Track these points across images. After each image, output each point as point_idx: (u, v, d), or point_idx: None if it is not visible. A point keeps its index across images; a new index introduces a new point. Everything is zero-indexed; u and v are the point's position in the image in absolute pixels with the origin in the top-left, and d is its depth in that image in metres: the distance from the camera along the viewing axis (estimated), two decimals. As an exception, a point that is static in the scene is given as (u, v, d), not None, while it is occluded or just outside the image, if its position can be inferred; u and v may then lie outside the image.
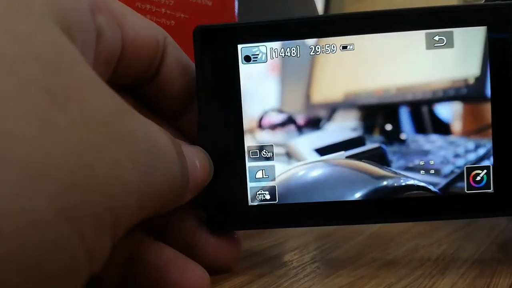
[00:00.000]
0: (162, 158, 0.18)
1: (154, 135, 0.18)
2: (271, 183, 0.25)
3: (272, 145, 0.25)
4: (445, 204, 0.24)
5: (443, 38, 0.24)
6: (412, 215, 0.25)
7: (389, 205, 0.24)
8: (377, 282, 0.23)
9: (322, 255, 0.28)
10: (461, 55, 0.24)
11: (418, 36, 0.24)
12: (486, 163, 0.24)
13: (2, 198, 0.11)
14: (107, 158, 0.14)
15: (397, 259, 0.27)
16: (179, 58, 0.24)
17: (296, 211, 0.24)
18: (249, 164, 0.25)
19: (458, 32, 0.24)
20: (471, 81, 0.24)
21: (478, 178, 0.24)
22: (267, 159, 0.25)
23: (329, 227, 0.34)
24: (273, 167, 0.25)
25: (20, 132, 0.12)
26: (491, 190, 0.24)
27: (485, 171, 0.24)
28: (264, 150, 0.25)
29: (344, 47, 0.24)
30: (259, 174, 0.25)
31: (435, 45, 0.24)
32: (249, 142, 0.25)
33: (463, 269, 0.25)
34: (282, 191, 0.25)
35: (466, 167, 0.24)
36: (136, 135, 0.16)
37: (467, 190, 0.24)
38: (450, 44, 0.24)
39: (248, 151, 0.25)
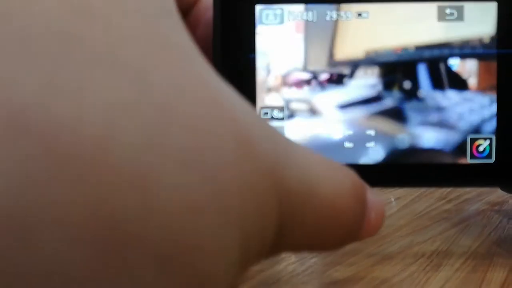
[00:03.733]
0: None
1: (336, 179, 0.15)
2: None
3: (283, 107, 0.25)
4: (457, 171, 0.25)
5: (454, 11, 0.24)
6: (421, 180, 0.25)
7: (401, 169, 0.25)
8: (373, 277, 0.24)
9: (319, 252, 0.29)
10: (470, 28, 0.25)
11: (430, 8, 0.25)
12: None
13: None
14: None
15: (392, 255, 0.27)
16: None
17: None
18: None
19: (469, 6, 0.24)
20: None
21: (481, 148, 0.25)
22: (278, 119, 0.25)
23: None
24: (282, 128, 0.25)
25: None
26: (492, 161, 0.25)
27: (488, 141, 0.25)
28: (276, 111, 0.25)
29: (359, 15, 0.25)
30: None
31: (446, 18, 0.24)
32: (261, 102, 0.25)
33: (457, 265, 0.25)
34: None
35: (470, 138, 0.25)
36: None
37: (469, 160, 0.25)
38: (460, 17, 0.24)
39: (260, 112, 0.25)
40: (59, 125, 0.09)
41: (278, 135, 0.14)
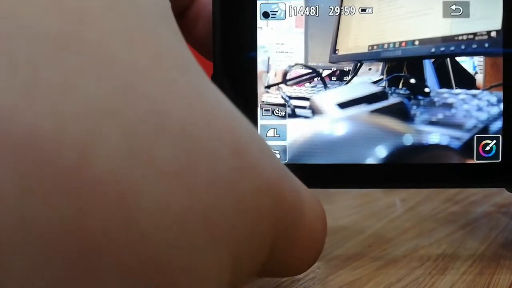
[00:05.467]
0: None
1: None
2: (282, 143, 0.25)
3: (285, 104, 0.25)
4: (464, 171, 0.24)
5: (460, 7, 0.24)
6: (427, 180, 0.25)
7: (406, 169, 0.24)
8: (377, 282, 0.23)
9: (322, 255, 0.28)
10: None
11: (436, 4, 0.24)
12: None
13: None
14: None
15: (397, 259, 0.27)
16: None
17: (307, 172, 0.24)
18: (260, 122, 0.25)
19: (475, 2, 0.24)
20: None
21: (488, 148, 0.24)
22: (280, 117, 0.25)
23: (329, 228, 0.34)
24: (283, 126, 0.25)
25: None
26: (499, 161, 0.24)
27: (494, 141, 0.24)
28: (277, 109, 0.25)
29: (363, 10, 0.24)
30: (270, 133, 0.25)
31: (451, 14, 0.24)
32: (262, 99, 0.25)
33: (463, 268, 0.25)
34: (293, 151, 0.25)
35: (476, 137, 0.24)
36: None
37: (476, 160, 0.24)
38: (466, 14, 0.24)
39: (261, 109, 0.25)
40: (36, 132, 0.08)
41: (273, 152, 0.13)
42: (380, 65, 0.25)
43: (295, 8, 0.25)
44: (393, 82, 0.25)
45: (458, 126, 0.24)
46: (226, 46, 0.24)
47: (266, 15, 0.25)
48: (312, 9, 0.25)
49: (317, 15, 0.25)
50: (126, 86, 0.10)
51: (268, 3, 0.25)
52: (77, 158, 0.08)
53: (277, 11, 0.25)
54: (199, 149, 0.10)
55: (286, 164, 0.24)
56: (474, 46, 0.24)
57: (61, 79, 0.09)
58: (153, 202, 0.09)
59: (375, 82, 0.25)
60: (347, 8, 0.25)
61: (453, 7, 0.24)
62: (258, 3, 0.25)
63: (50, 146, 0.08)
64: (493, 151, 0.24)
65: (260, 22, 0.25)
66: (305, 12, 0.25)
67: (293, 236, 0.14)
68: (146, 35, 0.11)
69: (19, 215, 0.08)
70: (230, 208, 0.11)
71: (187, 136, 0.10)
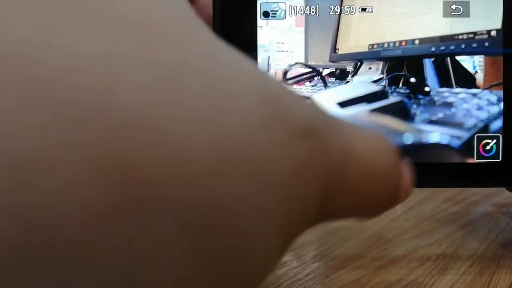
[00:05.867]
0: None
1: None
2: None
3: None
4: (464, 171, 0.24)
5: (460, 7, 0.24)
6: (427, 180, 0.25)
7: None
8: (377, 282, 0.23)
9: (322, 255, 0.28)
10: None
11: (436, 4, 0.24)
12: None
13: None
14: None
15: (397, 259, 0.27)
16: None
17: None
18: None
19: (475, 2, 0.24)
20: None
21: (488, 147, 0.24)
22: None
23: (329, 228, 0.34)
24: None
25: None
26: (499, 160, 0.24)
27: (494, 140, 0.24)
28: None
29: (363, 9, 0.24)
30: None
31: (451, 13, 0.24)
32: None
33: (463, 268, 0.25)
34: None
35: (477, 136, 0.24)
36: None
37: (476, 159, 0.24)
38: (466, 13, 0.24)
39: None
40: (62, 65, 0.08)
41: (303, 98, 0.13)
42: (380, 64, 0.25)
43: (295, 7, 0.25)
44: (393, 81, 0.25)
45: (458, 125, 0.24)
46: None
47: (266, 14, 0.25)
48: (312, 8, 0.25)
49: (317, 15, 0.25)
50: (147, 37, 0.10)
51: (268, 2, 0.25)
52: (105, 89, 0.09)
53: (277, 11, 0.25)
54: (225, 97, 0.10)
55: None
56: (474, 45, 0.24)
57: (83, 24, 0.09)
58: (186, 137, 0.09)
59: (375, 81, 0.25)
60: (347, 8, 0.25)
61: (453, 6, 0.24)
62: (258, 2, 0.25)
63: (74, 79, 0.08)
64: (494, 151, 0.24)
65: (260, 22, 0.25)
66: (305, 12, 0.25)
67: (349, 177, 0.14)
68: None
69: (50, 141, 0.08)
70: (270, 153, 0.11)
71: (211, 85, 0.10)
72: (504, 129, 0.24)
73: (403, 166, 0.16)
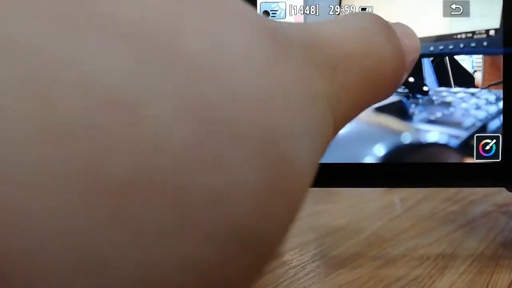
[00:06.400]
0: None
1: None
2: None
3: None
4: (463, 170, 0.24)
5: (460, 7, 0.24)
6: (426, 179, 0.25)
7: (405, 168, 0.24)
8: (376, 281, 0.23)
9: (322, 254, 0.28)
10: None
11: (436, 3, 0.24)
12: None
13: None
14: None
15: (396, 259, 0.27)
16: None
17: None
18: None
19: (475, 1, 0.24)
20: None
21: (488, 147, 0.24)
22: None
23: (329, 228, 0.34)
24: None
25: None
26: (498, 160, 0.24)
27: (494, 140, 0.24)
28: None
29: (363, 9, 0.24)
30: None
31: (451, 13, 0.24)
32: None
33: (463, 267, 0.25)
34: None
35: (476, 136, 0.24)
36: None
37: (476, 159, 0.24)
38: (466, 13, 0.24)
39: None
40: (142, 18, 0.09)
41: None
42: None
43: (295, 7, 0.25)
44: None
45: (456, 125, 0.24)
46: None
47: (266, 14, 0.25)
48: (312, 8, 0.25)
49: (317, 14, 0.25)
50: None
51: (268, 2, 0.25)
52: (172, 35, 0.10)
53: (277, 10, 0.25)
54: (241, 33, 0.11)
55: None
56: (473, 44, 0.24)
57: None
58: (240, 73, 0.10)
59: None
60: (346, 7, 0.25)
61: (453, 6, 0.24)
62: (258, 2, 0.25)
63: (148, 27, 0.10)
64: (493, 151, 0.24)
65: None
66: (305, 11, 0.25)
67: (348, 68, 0.14)
68: None
69: (149, 79, 0.09)
70: (289, 77, 0.12)
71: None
72: (504, 129, 0.24)
73: (398, 30, 0.17)
